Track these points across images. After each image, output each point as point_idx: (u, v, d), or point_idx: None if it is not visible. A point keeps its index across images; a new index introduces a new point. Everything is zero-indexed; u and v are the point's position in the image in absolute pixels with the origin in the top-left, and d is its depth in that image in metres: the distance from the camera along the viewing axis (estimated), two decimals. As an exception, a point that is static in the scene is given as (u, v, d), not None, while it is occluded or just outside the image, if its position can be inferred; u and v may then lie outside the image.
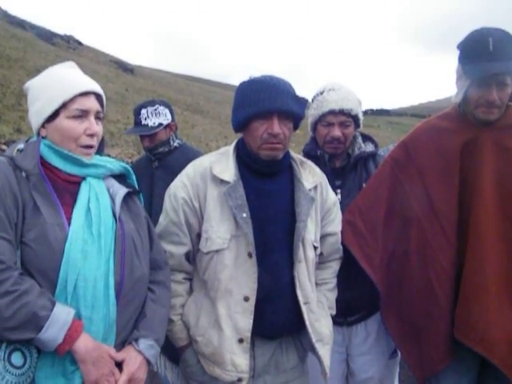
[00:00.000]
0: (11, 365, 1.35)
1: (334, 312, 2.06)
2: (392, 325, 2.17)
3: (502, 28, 1.93)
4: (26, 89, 1.65)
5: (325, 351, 1.92)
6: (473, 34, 1.95)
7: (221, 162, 1.88)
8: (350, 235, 2.13)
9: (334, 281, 2.09)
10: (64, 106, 1.55)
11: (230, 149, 1.94)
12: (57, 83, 1.58)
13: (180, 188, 1.87)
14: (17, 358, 1.36)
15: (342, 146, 2.31)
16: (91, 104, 1.58)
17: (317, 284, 2.00)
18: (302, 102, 1.83)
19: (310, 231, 1.89)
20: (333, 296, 2.07)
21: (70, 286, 1.42)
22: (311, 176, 1.95)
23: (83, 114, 1.56)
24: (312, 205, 1.89)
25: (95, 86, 1.62)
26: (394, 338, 2.19)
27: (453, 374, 2.10)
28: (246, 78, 1.89)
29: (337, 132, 2.28)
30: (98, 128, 1.60)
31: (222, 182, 1.83)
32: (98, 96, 1.62)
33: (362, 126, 2.38)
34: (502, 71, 1.87)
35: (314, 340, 1.88)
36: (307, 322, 1.86)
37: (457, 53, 2.00)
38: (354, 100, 2.30)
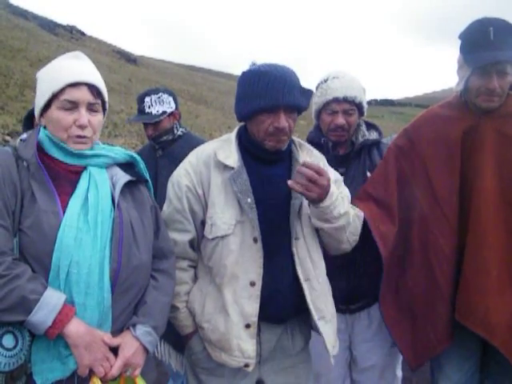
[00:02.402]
0: (2, 346, 1.38)
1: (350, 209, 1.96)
2: (387, 306, 2.15)
3: (503, 18, 1.95)
4: (37, 79, 1.66)
5: (327, 328, 1.90)
6: (474, 24, 1.97)
7: (224, 149, 1.89)
8: (367, 214, 2.06)
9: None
10: (55, 96, 1.55)
11: (232, 136, 1.94)
12: (50, 74, 1.58)
13: (183, 176, 1.87)
14: (8, 340, 1.39)
15: (345, 134, 2.31)
16: (81, 95, 1.55)
17: None
18: (308, 94, 1.83)
19: (307, 208, 1.88)
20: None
21: (62, 272, 1.43)
22: (308, 157, 1.95)
23: (73, 105, 1.55)
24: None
25: (88, 77, 1.58)
26: (386, 321, 2.16)
27: (455, 358, 2.13)
28: (249, 66, 1.87)
29: (340, 120, 2.27)
30: (87, 119, 1.56)
31: (226, 168, 1.83)
32: (92, 87, 1.58)
33: (365, 113, 2.38)
34: (502, 60, 1.90)
35: (316, 318, 1.86)
36: (308, 299, 1.84)
37: (459, 43, 2.02)
38: (357, 88, 2.30)
